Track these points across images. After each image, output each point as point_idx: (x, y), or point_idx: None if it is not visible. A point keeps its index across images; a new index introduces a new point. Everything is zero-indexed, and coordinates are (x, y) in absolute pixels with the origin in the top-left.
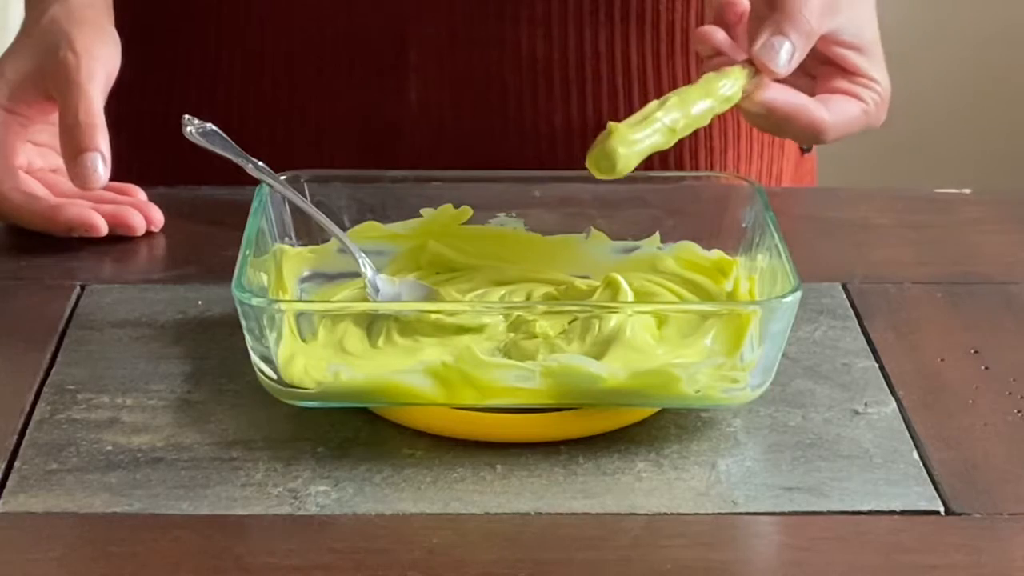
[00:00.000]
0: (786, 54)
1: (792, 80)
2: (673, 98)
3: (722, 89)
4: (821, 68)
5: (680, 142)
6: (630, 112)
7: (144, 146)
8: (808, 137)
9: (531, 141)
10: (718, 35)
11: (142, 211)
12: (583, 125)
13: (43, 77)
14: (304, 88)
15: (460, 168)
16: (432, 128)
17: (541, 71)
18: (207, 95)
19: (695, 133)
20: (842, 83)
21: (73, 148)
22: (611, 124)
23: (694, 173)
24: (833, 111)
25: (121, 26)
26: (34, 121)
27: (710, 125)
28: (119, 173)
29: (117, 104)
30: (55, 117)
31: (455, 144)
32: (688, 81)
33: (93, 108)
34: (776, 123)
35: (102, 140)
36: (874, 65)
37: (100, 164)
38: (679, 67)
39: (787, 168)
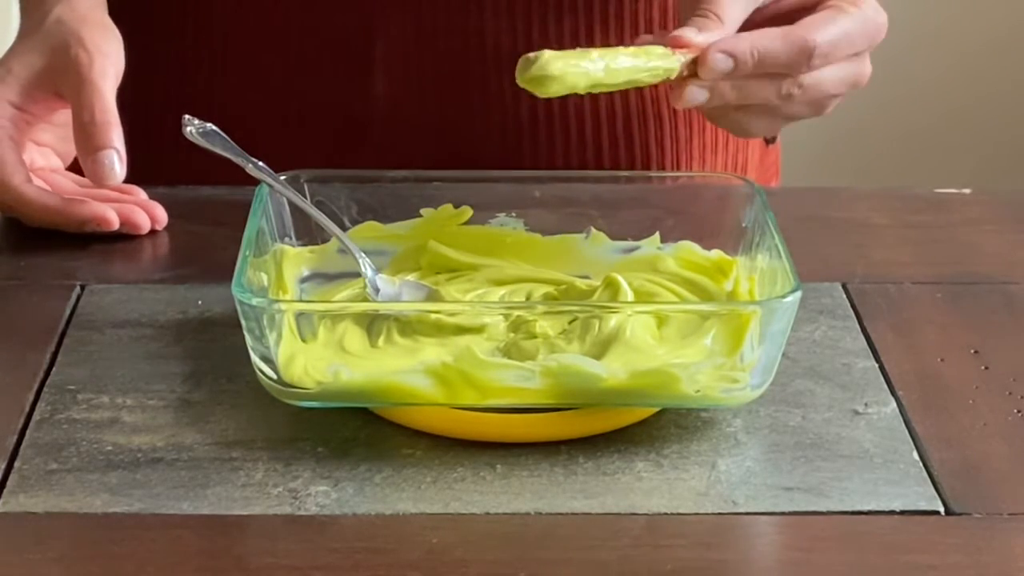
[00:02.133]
0: (724, 63)
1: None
2: (600, 50)
3: (655, 55)
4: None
5: (645, 131)
6: (596, 102)
7: (136, 146)
8: (798, 68)
9: (497, 133)
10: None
11: (146, 210)
12: (549, 116)
13: (54, 75)
14: (271, 84)
15: (425, 161)
16: (399, 122)
17: (506, 63)
18: (176, 92)
19: (659, 121)
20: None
21: (90, 146)
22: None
23: (694, 173)
24: (812, 26)
25: None
26: (40, 119)
27: (674, 114)
28: None
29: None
30: (58, 117)
31: (422, 138)
32: None
33: (108, 105)
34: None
35: (117, 137)
36: None
37: (116, 161)
38: None
39: (752, 159)
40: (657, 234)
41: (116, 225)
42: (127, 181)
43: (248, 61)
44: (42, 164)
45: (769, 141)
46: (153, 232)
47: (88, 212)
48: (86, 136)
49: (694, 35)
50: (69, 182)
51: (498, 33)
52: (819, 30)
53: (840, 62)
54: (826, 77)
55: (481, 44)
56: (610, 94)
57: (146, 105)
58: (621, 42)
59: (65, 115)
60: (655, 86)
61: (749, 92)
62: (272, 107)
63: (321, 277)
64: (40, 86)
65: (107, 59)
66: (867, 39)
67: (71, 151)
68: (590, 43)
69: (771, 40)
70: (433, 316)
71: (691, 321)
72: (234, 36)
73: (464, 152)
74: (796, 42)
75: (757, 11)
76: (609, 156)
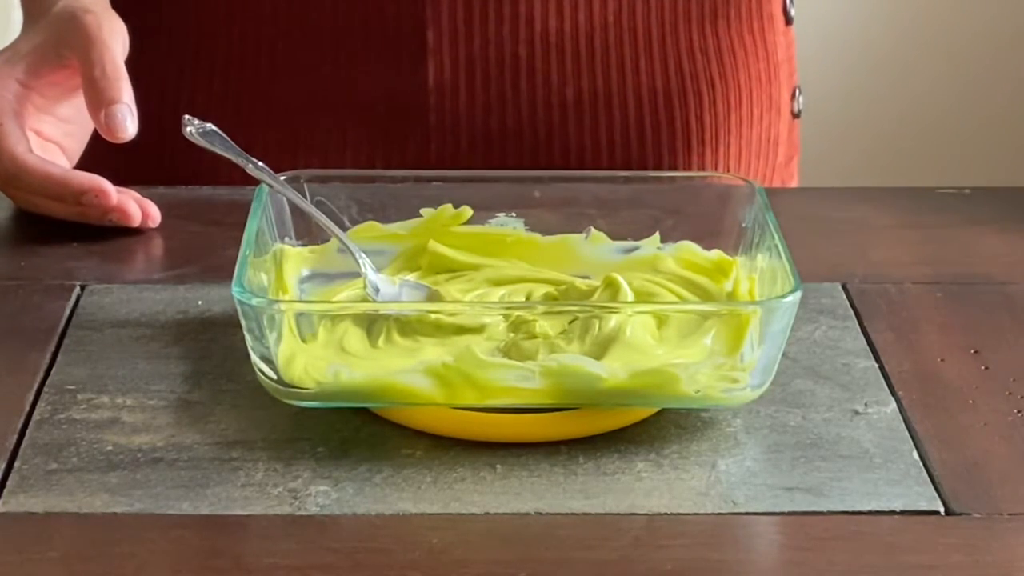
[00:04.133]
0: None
1: None
2: None
3: None
4: None
5: (685, 109)
6: (638, 82)
7: (137, 146)
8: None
9: (543, 113)
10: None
11: (140, 205)
12: (593, 96)
13: (60, 42)
14: (320, 75)
15: (475, 145)
16: (447, 109)
17: (553, 44)
18: (208, 87)
19: (698, 98)
20: None
21: (100, 100)
22: None
23: (694, 173)
24: None
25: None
26: (47, 98)
27: (712, 90)
28: (116, 174)
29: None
30: (62, 109)
31: (468, 123)
32: (692, 51)
33: (117, 61)
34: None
35: (127, 92)
36: None
37: (128, 116)
38: (683, 36)
39: (783, 132)
40: (657, 234)
41: (114, 197)
42: (126, 181)
43: (297, 51)
44: (53, 134)
45: (796, 115)
46: (153, 232)
47: (87, 181)
48: (97, 92)
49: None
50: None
51: (545, 15)
52: None
53: None
54: None
55: (530, 27)
56: (651, 73)
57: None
58: (662, 19)
59: (69, 107)
60: (694, 62)
61: None
62: (322, 99)
63: (321, 277)
64: (46, 59)
65: (114, 26)
66: None
67: (76, 148)
68: (631, 24)
69: None
70: (433, 316)
71: (691, 321)
72: (283, 26)
73: (509, 135)
74: None
75: None
76: (652, 134)
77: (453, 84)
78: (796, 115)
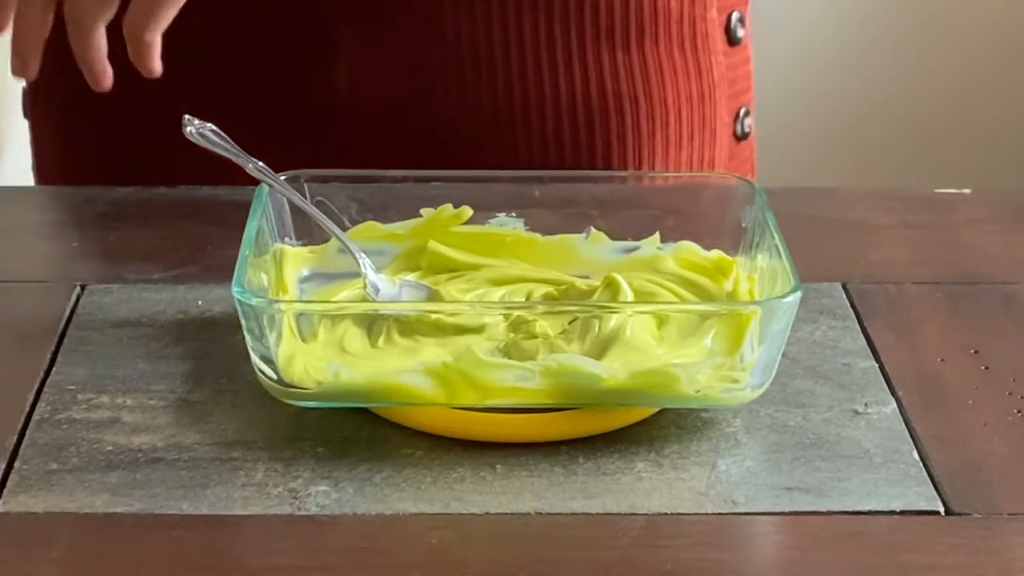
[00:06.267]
0: None
1: None
2: None
3: None
4: None
5: (606, 126)
6: (557, 96)
7: (137, 146)
8: None
9: (460, 121)
10: None
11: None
12: (510, 108)
13: None
14: (234, 73)
15: (386, 154)
16: (360, 112)
17: (466, 53)
18: (167, 91)
19: (620, 116)
20: None
21: None
22: None
23: (694, 173)
24: None
25: None
26: None
27: (636, 108)
28: (117, 173)
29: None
30: None
31: (384, 125)
32: (615, 67)
33: None
34: None
35: None
36: None
37: None
38: (605, 52)
39: (720, 155)
40: (657, 234)
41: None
42: (125, 180)
43: (213, 50)
44: None
45: (740, 137)
46: (153, 232)
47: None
48: None
49: None
50: None
51: (458, 24)
52: None
53: None
54: None
55: (442, 35)
56: (571, 88)
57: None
58: (582, 36)
59: None
60: (617, 80)
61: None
62: (235, 99)
63: (321, 277)
64: None
65: None
66: None
67: None
68: (550, 39)
69: None
70: (433, 316)
71: (691, 321)
72: (196, 24)
73: (424, 145)
74: None
75: None
76: (570, 149)
77: (365, 87)
78: (741, 137)
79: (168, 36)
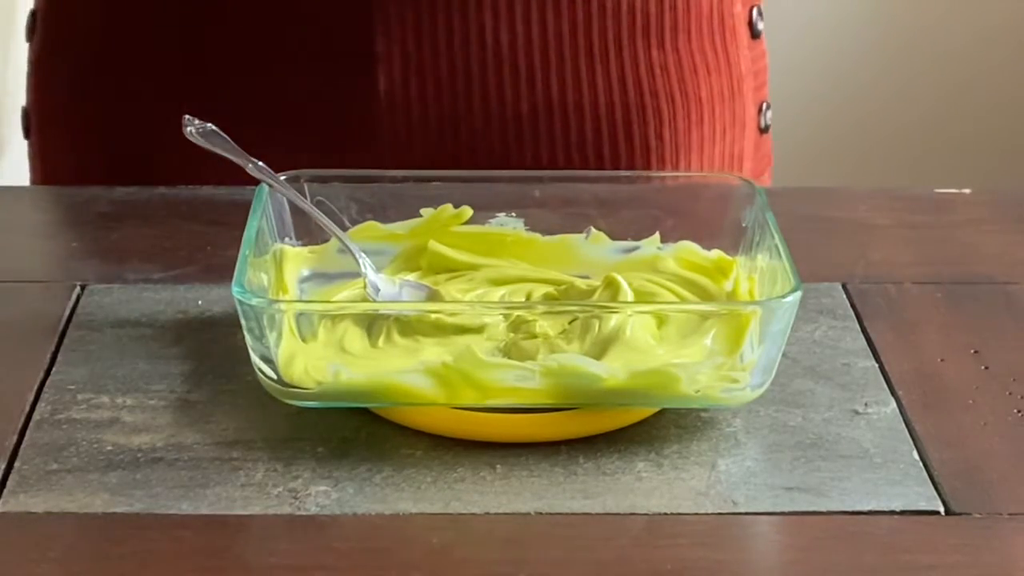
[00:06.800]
0: None
1: None
2: None
3: None
4: None
5: (644, 126)
6: (595, 96)
7: (137, 146)
8: None
9: (497, 127)
10: None
11: None
12: (548, 111)
13: None
14: (272, 82)
15: (425, 159)
16: (399, 120)
17: (506, 58)
18: (176, 91)
19: (658, 116)
20: None
21: None
22: None
23: (694, 173)
24: None
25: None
26: None
27: (672, 106)
28: (116, 173)
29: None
30: None
31: (422, 135)
32: (651, 66)
33: None
34: None
35: None
36: None
37: None
38: (641, 51)
39: (747, 149)
40: (657, 234)
41: None
42: (123, 180)
43: (247, 59)
44: None
45: (763, 130)
46: (153, 232)
47: None
48: None
49: None
50: None
51: (496, 28)
52: None
53: None
54: None
55: (481, 40)
56: (608, 88)
57: (146, 104)
58: (618, 33)
59: None
60: (653, 78)
61: None
62: (270, 106)
63: (321, 277)
64: None
65: None
66: None
67: None
68: (588, 39)
69: None
70: (433, 316)
71: (691, 321)
72: (234, 33)
73: (464, 148)
74: None
75: None
76: (609, 150)
77: (404, 94)
78: (764, 130)
79: (210, 47)
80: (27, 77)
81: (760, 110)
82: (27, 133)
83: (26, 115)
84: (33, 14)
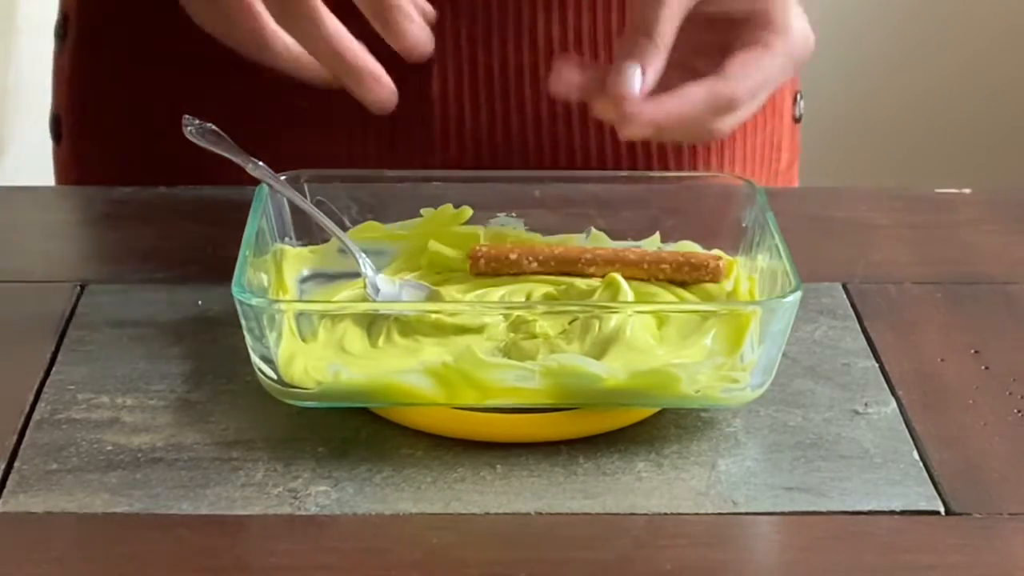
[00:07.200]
0: (645, 132)
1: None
2: None
3: None
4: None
5: (678, 144)
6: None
7: (137, 146)
8: (720, 121)
9: (547, 121)
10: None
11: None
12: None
13: None
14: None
15: (479, 153)
16: (452, 119)
17: (557, 52)
18: (215, 91)
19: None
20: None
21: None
22: None
23: (694, 173)
24: (735, 78)
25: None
26: None
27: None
28: (116, 173)
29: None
30: None
31: (473, 133)
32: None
33: None
34: (672, 131)
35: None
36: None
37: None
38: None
39: (785, 139)
40: (657, 234)
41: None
42: (123, 179)
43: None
44: None
45: (797, 120)
46: (153, 232)
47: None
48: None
49: (629, 86)
50: None
51: (549, 25)
52: (741, 81)
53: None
54: (750, 109)
55: (533, 37)
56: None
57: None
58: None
59: None
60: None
61: (674, 134)
62: (324, 110)
63: (321, 277)
64: None
65: None
66: (791, 72)
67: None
68: None
69: (693, 104)
70: (433, 316)
71: (691, 321)
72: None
73: (514, 147)
74: (719, 101)
75: (694, 11)
76: (657, 145)
77: (457, 94)
78: (797, 120)
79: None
80: (55, 82)
81: (795, 99)
82: (58, 138)
83: (56, 120)
84: (64, 18)
